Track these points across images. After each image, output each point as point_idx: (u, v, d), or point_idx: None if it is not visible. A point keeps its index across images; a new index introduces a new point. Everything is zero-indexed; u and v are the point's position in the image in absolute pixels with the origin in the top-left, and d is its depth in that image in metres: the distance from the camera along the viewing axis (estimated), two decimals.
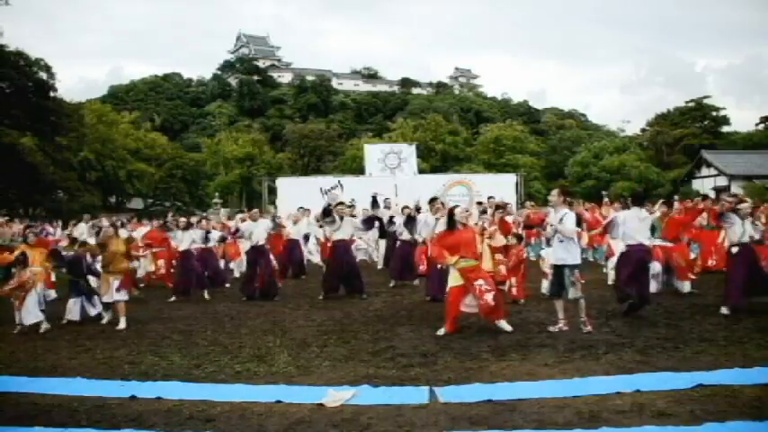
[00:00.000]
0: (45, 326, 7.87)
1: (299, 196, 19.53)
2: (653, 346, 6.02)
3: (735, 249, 7.69)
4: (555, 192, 7.22)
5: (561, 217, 6.86)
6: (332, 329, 7.37)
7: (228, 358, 6.12)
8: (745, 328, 6.64)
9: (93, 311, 8.50)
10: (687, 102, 51.27)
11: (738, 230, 7.61)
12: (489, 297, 6.86)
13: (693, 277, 9.52)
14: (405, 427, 4.11)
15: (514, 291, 8.78)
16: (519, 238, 9.27)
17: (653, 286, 9.00)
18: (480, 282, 6.91)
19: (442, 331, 6.92)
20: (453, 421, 4.17)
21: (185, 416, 4.47)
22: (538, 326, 7.10)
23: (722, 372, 5.02)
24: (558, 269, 6.97)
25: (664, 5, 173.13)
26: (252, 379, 5.39)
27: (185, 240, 10.54)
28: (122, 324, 7.94)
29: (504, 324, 6.91)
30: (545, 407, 4.36)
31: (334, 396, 4.71)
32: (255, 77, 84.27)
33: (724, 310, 7.48)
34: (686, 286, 9.15)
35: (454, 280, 7.04)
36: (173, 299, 10.31)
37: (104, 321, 8.26)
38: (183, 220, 11.41)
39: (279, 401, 4.68)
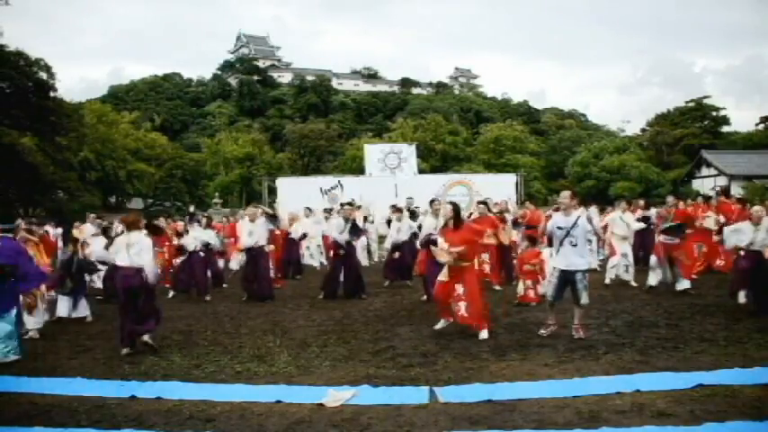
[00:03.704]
0: (32, 334, 7.53)
1: (299, 196, 19.54)
2: (653, 346, 6.02)
3: (742, 252, 7.76)
4: (567, 194, 6.77)
5: (575, 220, 6.50)
6: (332, 329, 7.37)
7: (228, 358, 6.12)
8: (745, 328, 6.64)
9: (75, 314, 8.40)
10: (687, 102, 51.31)
11: (748, 238, 7.58)
12: (462, 306, 6.75)
13: (695, 276, 9.52)
14: (405, 427, 4.11)
15: (531, 294, 8.62)
16: (533, 240, 8.95)
17: (654, 279, 9.30)
18: (459, 288, 6.79)
19: (439, 325, 6.98)
20: (453, 421, 4.17)
21: (185, 416, 4.47)
22: (538, 326, 7.07)
23: (722, 372, 5.03)
24: (568, 274, 6.53)
25: (662, 6, 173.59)
26: (252, 379, 5.39)
27: (193, 242, 10.56)
28: None
29: (483, 333, 6.61)
30: (545, 407, 4.36)
31: (334, 396, 4.71)
32: (255, 77, 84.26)
33: (741, 297, 7.78)
34: (684, 284, 8.99)
35: (443, 275, 6.98)
36: (171, 294, 10.45)
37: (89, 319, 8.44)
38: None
39: (279, 401, 4.68)
